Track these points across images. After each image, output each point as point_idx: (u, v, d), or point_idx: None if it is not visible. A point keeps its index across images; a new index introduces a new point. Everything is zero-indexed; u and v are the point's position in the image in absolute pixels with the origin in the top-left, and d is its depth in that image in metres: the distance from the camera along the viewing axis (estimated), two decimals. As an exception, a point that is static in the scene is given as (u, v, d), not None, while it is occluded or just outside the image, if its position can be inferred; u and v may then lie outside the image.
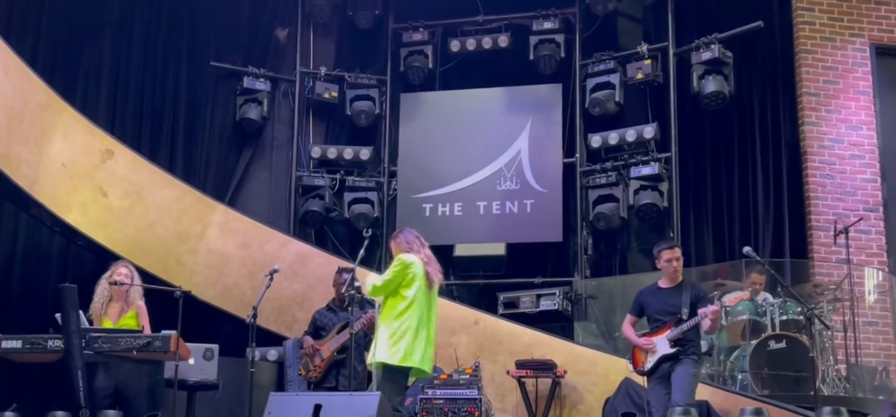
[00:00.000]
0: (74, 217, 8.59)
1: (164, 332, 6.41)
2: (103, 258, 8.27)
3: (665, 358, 6.56)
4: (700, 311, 6.49)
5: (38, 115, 8.40)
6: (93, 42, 10.03)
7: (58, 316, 6.32)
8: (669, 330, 6.56)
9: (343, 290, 7.06)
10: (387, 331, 6.27)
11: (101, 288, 6.97)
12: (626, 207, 10.02)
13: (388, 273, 6.40)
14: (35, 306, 8.77)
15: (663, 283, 6.81)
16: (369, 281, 6.48)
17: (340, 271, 7.81)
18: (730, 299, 7.27)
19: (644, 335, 6.75)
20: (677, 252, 6.78)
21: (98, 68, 10.03)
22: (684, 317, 6.52)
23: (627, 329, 6.90)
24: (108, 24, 10.14)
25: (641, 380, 6.85)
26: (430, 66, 10.93)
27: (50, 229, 9.15)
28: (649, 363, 6.63)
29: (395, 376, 6.29)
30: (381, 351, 6.23)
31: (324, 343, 7.59)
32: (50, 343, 6.29)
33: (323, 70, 10.95)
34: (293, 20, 11.15)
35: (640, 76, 10.20)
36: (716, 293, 8.48)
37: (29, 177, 8.21)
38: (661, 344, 6.58)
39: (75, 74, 9.83)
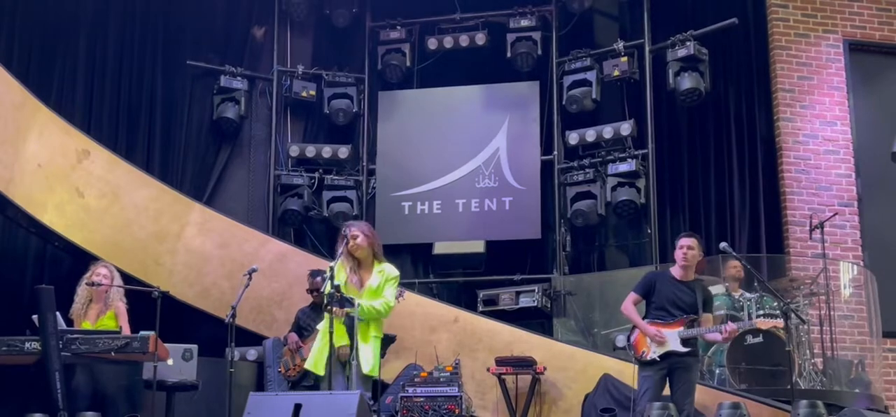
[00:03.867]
0: (51, 218, 8.52)
1: (142, 333, 6.37)
2: (80, 259, 8.22)
3: (674, 355, 6.37)
4: (724, 328, 6.38)
5: (13, 115, 8.32)
6: (68, 41, 9.96)
7: (35, 317, 6.28)
8: (683, 328, 6.36)
9: (322, 289, 7.01)
10: (376, 344, 6.13)
11: (81, 290, 6.93)
12: (603, 204, 10.06)
13: (391, 296, 6.14)
14: (11, 308, 8.68)
15: (677, 273, 6.57)
16: (378, 305, 6.08)
17: (313, 274, 7.78)
18: (761, 322, 6.97)
19: (652, 323, 6.46)
20: (689, 241, 6.54)
21: (73, 67, 9.96)
22: (699, 321, 6.41)
23: (631, 309, 6.61)
24: (84, 22, 10.06)
25: (628, 373, 6.73)
26: (408, 64, 10.93)
27: (26, 230, 9.07)
28: (654, 353, 6.38)
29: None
30: (377, 366, 6.09)
31: (306, 343, 7.58)
32: (27, 345, 6.23)
33: (300, 68, 10.90)
34: (270, 18, 11.08)
35: (616, 73, 10.24)
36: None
37: (4, 177, 8.13)
38: (674, 340, 6.35)
39: (51, 74, 9.76)
